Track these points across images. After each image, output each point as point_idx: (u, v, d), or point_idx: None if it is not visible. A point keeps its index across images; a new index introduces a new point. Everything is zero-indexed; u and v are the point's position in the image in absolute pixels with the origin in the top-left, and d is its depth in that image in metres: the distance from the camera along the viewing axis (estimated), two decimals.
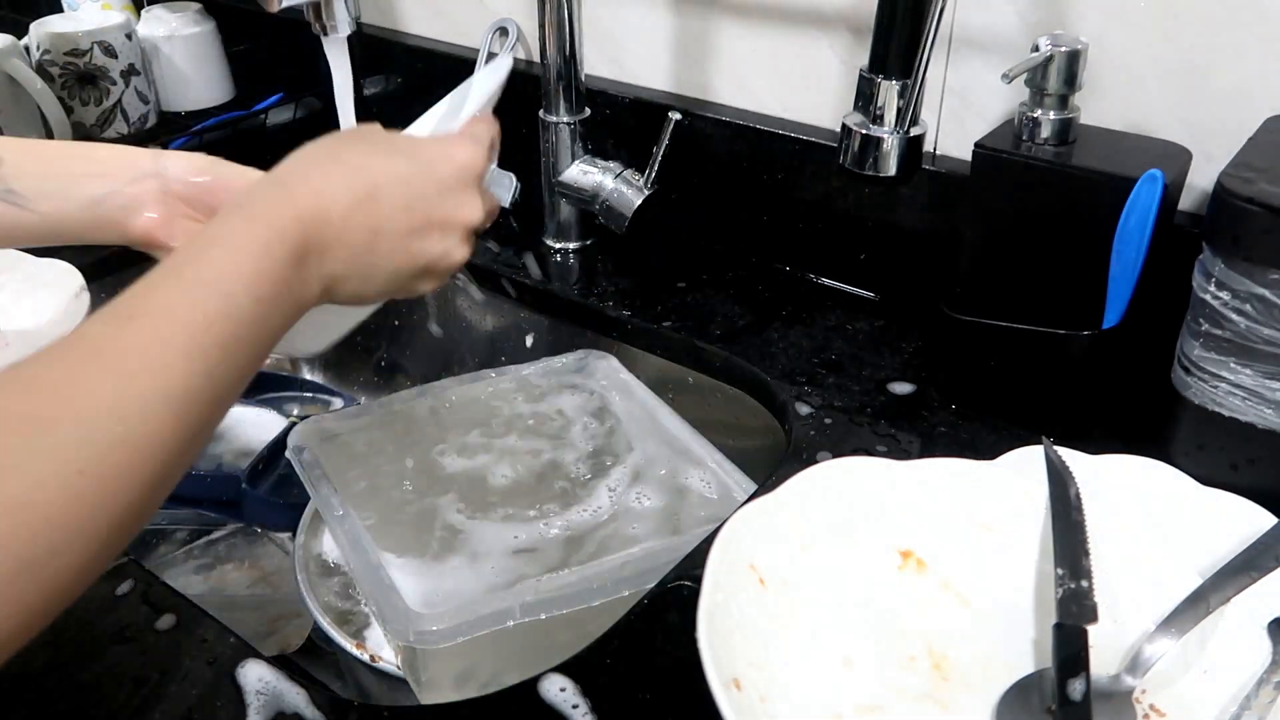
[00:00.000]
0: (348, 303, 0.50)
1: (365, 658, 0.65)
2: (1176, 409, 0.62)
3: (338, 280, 0.48)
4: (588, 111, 0.91)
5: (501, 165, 1.00)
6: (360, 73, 0.85)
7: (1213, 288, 0.57)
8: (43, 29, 1.08)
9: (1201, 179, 0.69)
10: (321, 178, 0.47)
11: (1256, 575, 0.50)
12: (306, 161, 0.48)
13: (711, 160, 0.90)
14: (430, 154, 0.51)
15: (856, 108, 0.66)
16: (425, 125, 0.64)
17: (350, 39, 0.79)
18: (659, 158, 0.86)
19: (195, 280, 0.41)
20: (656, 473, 0.71)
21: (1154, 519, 0.55)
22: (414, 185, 0.50)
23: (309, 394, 1.00)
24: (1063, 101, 0.66)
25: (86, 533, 0.36)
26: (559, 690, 0.51)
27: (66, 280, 0.80)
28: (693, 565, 0.58)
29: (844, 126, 0.67)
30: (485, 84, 0.60)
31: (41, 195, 0.57)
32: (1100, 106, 0.71)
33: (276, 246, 0.44)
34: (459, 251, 0.53)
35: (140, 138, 1.12)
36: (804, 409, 0.72)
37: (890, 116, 0.65)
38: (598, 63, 0.97)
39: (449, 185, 0.51)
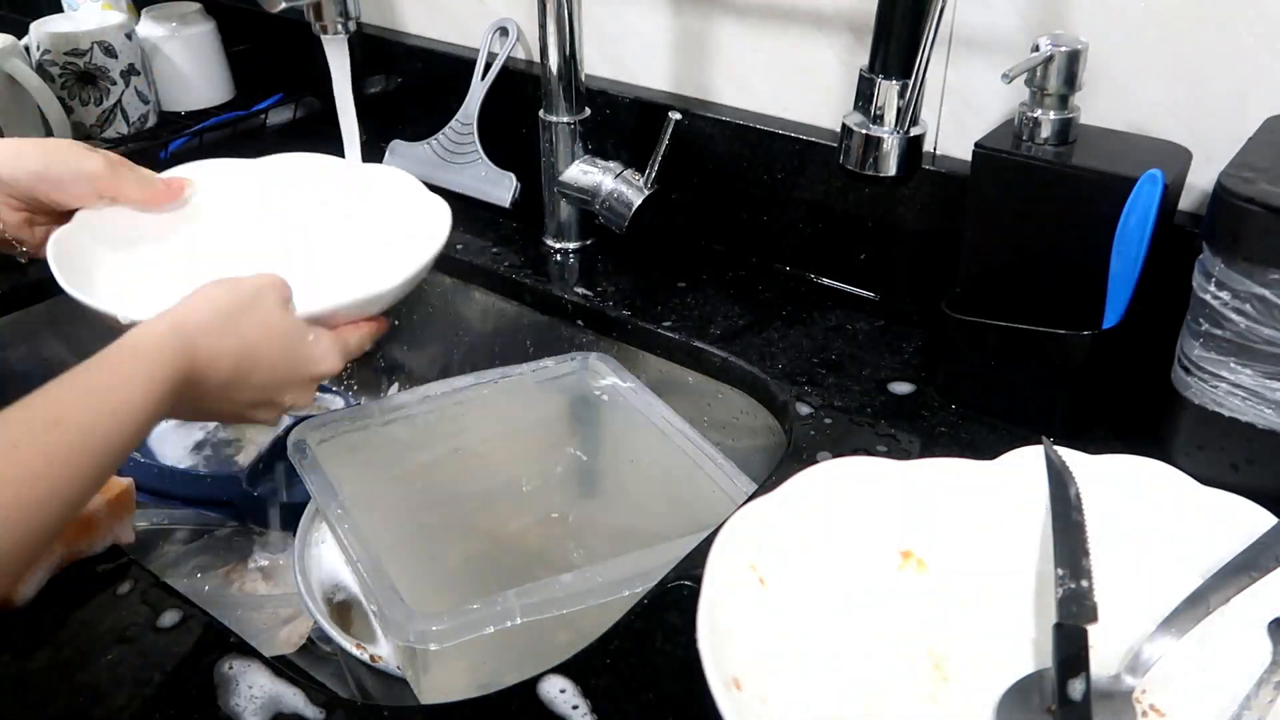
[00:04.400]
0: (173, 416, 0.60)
1: (365, 658, 0.65)
2: (1176, 409, 0.62)
3: (176, 413, 0.56)
4: (588, 111, 0.91)
5: (501, 165, 1.00)
6: (360, 73, 0.85)
7: (1213, 288, 0.57)
8: (43, 29, 1.08)
9: (1201, 179, 0.69)
10: (220, 345, 0.55)
11: (1256, 575, 0.50)
12: (216, 317, 0.56)
13: (711, 160, 0.90)
14: (309, 354, 0.60)
15: (856, 108, 0.66)
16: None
17: (350, 39, 0.79)
18: (659, 158, 0.86)
19: (112, 412, 0.48)
20: (656, 473, 0.71)
21: (1154, 519, 0.55)
22: (278, 378, 0.58)
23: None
24: (1063, 101, 0.66)
25: None
26: (559, 690, 0.51)
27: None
28: (693, 565, 0.58)
29: (844, 126, 0.67)
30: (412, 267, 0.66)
31: None
32: (1100, 106, 0.71)
33: (158, 399, 0.52)
34: (274, 419, 0.63)
35: (140, 138, 1.12)
36: (804, 409, 0.72)
37: (890, 116, 0.65)
38: (598, 63, 0.97)
39: (302, 383, 0.60)
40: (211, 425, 0.96)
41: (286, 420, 0.80)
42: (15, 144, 0.67)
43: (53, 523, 0.45)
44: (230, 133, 1.14)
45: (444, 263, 0.97)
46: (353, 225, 0.76)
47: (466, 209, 1.02)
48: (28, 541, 0.44)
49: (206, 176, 0.76)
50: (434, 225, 0.70)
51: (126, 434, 0.49)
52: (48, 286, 0.90)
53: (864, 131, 0.66)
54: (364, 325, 0.64)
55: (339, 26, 0.76)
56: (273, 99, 1.17)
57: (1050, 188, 0.65)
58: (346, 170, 0.79)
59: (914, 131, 0.65)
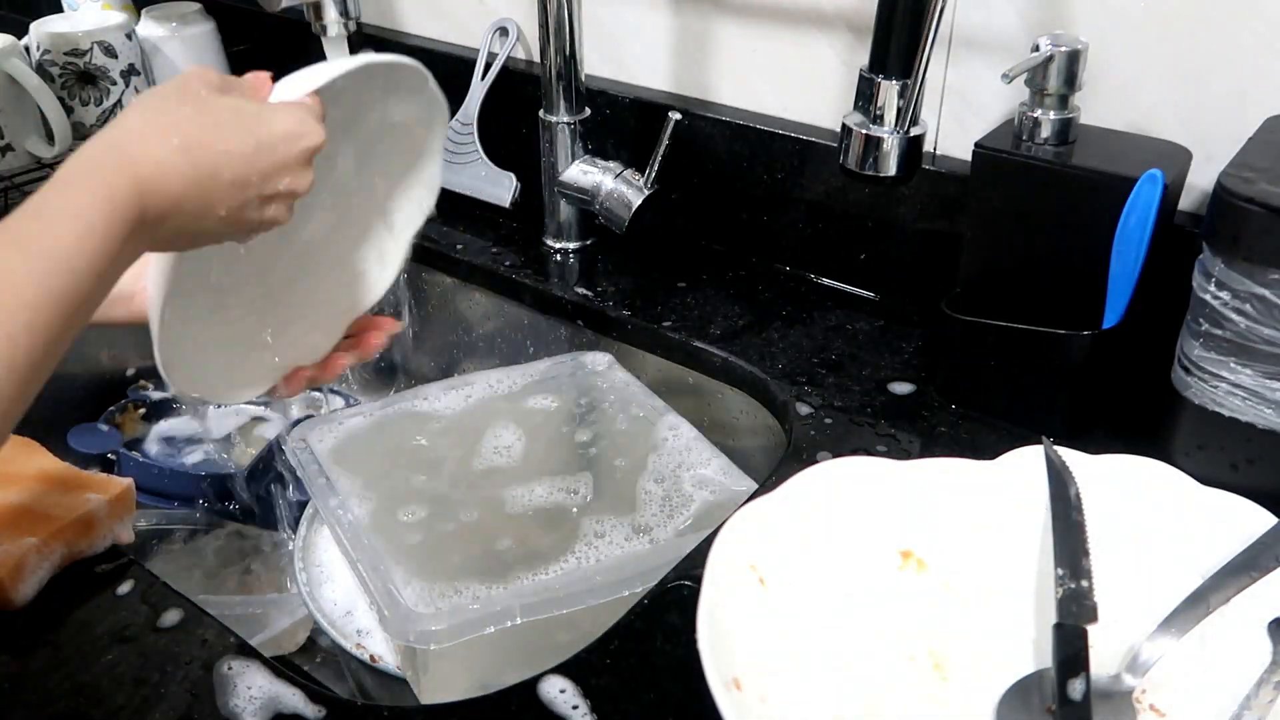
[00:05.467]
0: (166, 250, 0.52)
1: (365, 658, 0.65)
2: (1176, 409, 0.62)
3: (164, 241, 0.49)
4: (588, 111, 0.91)
5: (501, 165, 1.00)
6: None
7: (1213, 288, 0.57)
8: (43, 29, 1.08)
9: (1201, 179, 0.69)
10: (163, 149, 0.47)
11: (1256, 575, 0.50)
12: (148, 122, 0.48)
13: (711, 160, 0.90)
14: (273, 129, 0.51)
15: (856, 108, 0.66)
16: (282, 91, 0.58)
17: (350, 39, 0.79)
18: (659, 158, 0.86)
19: (41, 254, 0.43)
20: (656, 473, 0.71)
21: (1154, 519, 0.55)
22: (253, 163, 0.50)
23: (309, 394, 1.00)
24: (1063, 101, 0.66)
25: None
26: (559, 690, 0.51)
27: None
28: (693, 565, 0.58)
29: (844, 126, 0.67)
30: (338, 65, 0.56)
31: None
32: (1100, 106, 0.71)
33: (119, 222, 0.45)
34: (282, 215, 0.53)
35: None
36: (804, 409, 0.72)
37: (890, 116, 0.65)
38: (598, 63, 0.97)
39: (286, 162, 0.51)
40: (212, 428, 0.96)
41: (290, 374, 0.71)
42: None
43: (23, 359, 0.41)
44: None
45: (444, 263, 0.97)
46: None
47: (466, 209, 1.02)
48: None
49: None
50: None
51: (75, 266, 0.43)
52: None
53: (864, 131, 0.65)
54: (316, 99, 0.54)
55: (339, 26, 0.76)
56: None
57: (1050, 188, 0.65)
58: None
59: (914, 131, 0.65)
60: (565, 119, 0.90)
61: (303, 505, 0.76)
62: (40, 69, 1.06)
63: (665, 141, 0.85)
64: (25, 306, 0.42)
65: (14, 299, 0.42)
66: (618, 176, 0.89)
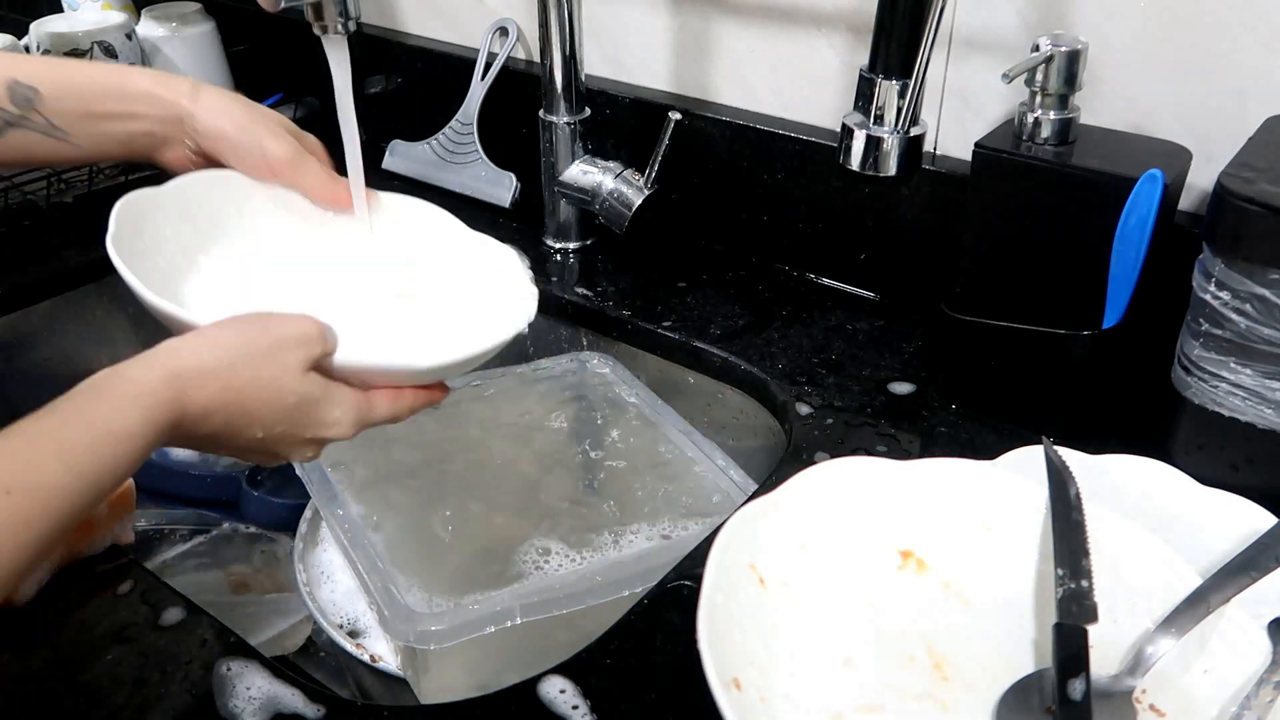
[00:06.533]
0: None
1: (365, 658, 0.65)
2: (1176, 409, 0.62)
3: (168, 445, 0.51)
4: (588, 111, 0.91)
5: (501, 165, 1.00)
6: (360, 73, 0.84)
7: (1213, 288, 0.57)
8: (43, 29, 1.08)
9: (1201, 179, 0.69)
10: (209, 403, 0.50)
11: (1256, 575, 0.50)
12: (213, 373, 0.50)
13: (711, 160, 0.90)
14: (311, 424, 0.53)
15: (856, 107, 0.66)
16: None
17: (350, 39, 0.78)
18: (659, 158, 0.86)
19: (79, 473, 0.44)
20: (656, 473, 0.71)
21: (1154, 519, 0.55)
22: (273, 437, 0.52)
23: None
24: (1063, 101, 0.66)
25: None
26: (559, 690, 0.51)
27: None
28: (693, 565, 0.58)
29: (844, 126, 0.67)
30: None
31: (81, 132, 0.62)
32: (1100, 106, 0.71)
33: (156, 442, 0.48)
34: (268, 464, 0.57)
35: None
36: (804, 409, 0.72)
37: (890, 116, 0.65)
38: (598, 63, 0.97)
39: (302, 444, 0.54)
40: None
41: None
42: (228, 98, 0.65)
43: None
44: None
45: None
46: (441, 290, 0.70)
47: (466, 209, 1.02)
48: None
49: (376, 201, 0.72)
50: (517, 313, 0.64)
51: (101, 486, 0.45)
52: (47, 286, 0.90)
53: (864, 131, 0.65)
54: (403, 394, 0.56)
55: (339, 26, 0.76)
56: (273, 99, 1.17)
57: (1050, 188, 0.65)
58: (459, 233, 0.73)
59: (914, 131, 0.65)
60: (565, 119, 0.90)
61: (303, 505, 0.76)
62: None
63: (665, 141, 0.85)
64: (48, 517, 0.43)
65: (41, 510, 0.43)
66: (618, 176, 0.89)
